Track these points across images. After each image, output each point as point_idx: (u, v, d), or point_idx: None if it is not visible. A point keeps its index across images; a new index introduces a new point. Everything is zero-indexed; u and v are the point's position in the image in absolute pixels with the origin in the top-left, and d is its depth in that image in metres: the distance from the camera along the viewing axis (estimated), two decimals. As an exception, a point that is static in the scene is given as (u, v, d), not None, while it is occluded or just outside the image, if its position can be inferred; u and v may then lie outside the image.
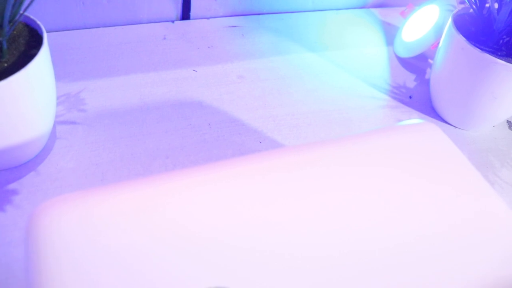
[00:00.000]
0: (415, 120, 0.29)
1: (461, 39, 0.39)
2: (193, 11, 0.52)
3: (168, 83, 0.43)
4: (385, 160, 0.25)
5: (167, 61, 0.46)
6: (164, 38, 0.49)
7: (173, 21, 0.51)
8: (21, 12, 0.29)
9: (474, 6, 0.40)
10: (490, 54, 0.37)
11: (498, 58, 0.37)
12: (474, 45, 0.38)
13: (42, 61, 0.30)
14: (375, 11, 0.59)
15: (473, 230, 0.22)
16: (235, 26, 0.52)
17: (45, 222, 0.20)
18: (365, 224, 0.21)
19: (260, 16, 0.54)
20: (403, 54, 0.51)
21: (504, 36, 0.39)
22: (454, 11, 0.42)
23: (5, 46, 0.29)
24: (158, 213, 0.20)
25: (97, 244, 0.19)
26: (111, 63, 0.44)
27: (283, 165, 0.23)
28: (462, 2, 0.45)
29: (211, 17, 0.53)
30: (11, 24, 0.29)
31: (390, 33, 0.55)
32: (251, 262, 0.19)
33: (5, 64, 0.29)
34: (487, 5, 0.38)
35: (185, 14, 0.51)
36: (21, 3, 0.28)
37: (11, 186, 0.33)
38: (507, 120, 0.47)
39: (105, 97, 0.41)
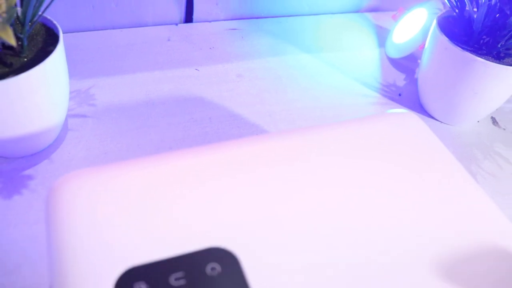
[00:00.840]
0: (398, 110, 0.32)
1: (444, 39, 0.42)
2: (195, 15, 0.55)
3: (172, 81, 0.46)
4: (364, 146, 0.27)
5: (171, 61, 0.49)
6: (169, 40, 0.52)
7: (177, 24, 0.54)
8: (39, 13, 0.33)
9: (456, 9, 0.43)
10: (470, 53, 0.40)
11: (478, 56, 0.40)
12: (456, 44, 0.41)
13: (58, 57, 0.33)
14: (368, 15, 0.62)
15: (451, 216, 0.25)
16: (235, 29, 0.55)
17: (63, 193, 0.23)
18: (342, 206, 0.24)
19: (259, 19, 0.57)
20: (394, 55, 0.54)
21: (484, 37, 0.42)
22: (439, 14, 0.45)
23: (25, 43, 0.32)
24: (163, 185, 0.23)
25: (111, 211, 0.22)
26: (118, 62, 0.47)
27: (265, 150, 0.26)
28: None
29: (212, 21, 0.56)
30: (30, 23, 0.32)
31: (382, 35, 0.58)
32: (252, 224, 0.22)
33: (25, 59, 0.32)
34: (467, 8, 0.41)
35: (188, 18, 0.55)
36: (40, 4, 0.31)
37: (27, 172, 0.36)
38: (491, 116, 0.50)
39: (113, 93, 0.44)
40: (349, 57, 0.54)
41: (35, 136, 0.35)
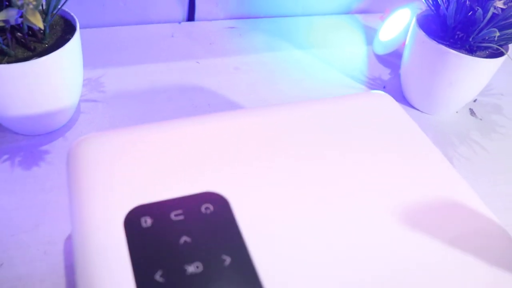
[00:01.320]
0: (374, 91, 0.36)
1: (422, 34, 0.46)
2: (197, 14, 0.59)
3: (175, 72, 0.51)
4: (340, 118, 0.32)
5: (174, 55, 0.53)
6: (172, 36, 0.56)
7: (179, 22, 0.59)
8: (59, 6, 0.37)
9: (432, 8, 0.47)
10: (444, 46, 0.44)
11: (451, 49, 0.44)
12: (432, 38, 0.45)
13: (74, 44, 0.37)
14: (358, 16, 0.66)
15: (413, 175, 0.29)
16: (233, 27, 0.60)
17: (82, 148, 0.27)
18: (316, 159, 0.28)
19: (256, 19, 0.62)
20: (380, 51, 0.58)
21: (458, 32, 0.46)
22: (419, 12, 0.49)
23: (47, 31, 0.36)
24: (168, 142, 0.27)
25: (121, 162, 0.26)
26: (126, 55, 0.52)
27: (254, 118, 0.30)
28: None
29: (213, 19, 0.60)
30: (52, 14, 0.37)
31: (370, 34, 0.63)
32: (241, 175, 0.26)
33: (46, 45, 0.36)
34: (441, 6, 0.45)
35: (190, 16, 0.59)
36: (60, -3, 0.36)
37: (44, 147, 0.40)
38: (469, 108, 0.54)
39: (121, 82, 0.48)
40: (339, 53, 0.58)
41: (51, 115, 0.40)
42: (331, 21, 0.65)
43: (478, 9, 0.40)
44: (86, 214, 0.23)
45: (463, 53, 0.44)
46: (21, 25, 0.34)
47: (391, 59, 0.59)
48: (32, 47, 0.36)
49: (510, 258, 0.25)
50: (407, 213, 0.26)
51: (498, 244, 0.25)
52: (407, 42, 0.50)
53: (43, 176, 0.38)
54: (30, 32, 0.36)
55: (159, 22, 0.58)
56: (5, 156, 0.39)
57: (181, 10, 0.59)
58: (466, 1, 0.42)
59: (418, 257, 0.24)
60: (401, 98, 0.53)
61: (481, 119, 0.53)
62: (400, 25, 0.56)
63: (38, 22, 0.30)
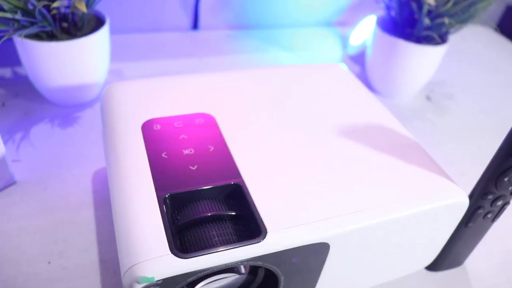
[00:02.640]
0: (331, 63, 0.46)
1: (379, 30, 0.57)
2: (201, 25, 0.72)
3: (182, 66, 0.62)
4: (300, 79, 0.42)
5: (181, 54, 0.65)
6: (180, 41, 0.69)
7: (186, 31, 0.71)
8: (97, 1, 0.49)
9: (386, 11, 0.59)
10: (396, 37, 0.55)
11: (399, 39, 0.55)
12: (386, 32, 0.57)
13: (104, 33, 0.49)
14: (337, 28, 0.79)
15: (356, 121, 0.39)
16: (230, 36, 0.72)
17: (113, 90, 0.37)
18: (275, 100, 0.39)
19: (249, 30, 0.74)
20: (351, 52, 0.69)
21: (407, 28, 0.57)
22: (380, 14, 0.61)
23: (85, 22, 0.48)
24: (176, 84, 0.38)
25: (141, 96, 0.36)
26: (143, 54, 0.64)
27: (241, 75, 0.41)
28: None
29: (213, 29, 0.73)
30: (91, 5, 0.49)
31: (345, 42, 0.75)
32: (226, 101, 0.36)
33: (83, 33, 0.48)
34: (392, 11, 0.57)
35: (195, 26, 0.72)
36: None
37: (76, 114, 0.51)
38: (426, 95, 0.64)
39: (138, 72, 0.60)
40: (318, 55, 0.70)
41: (83, 89, 0.51)
42: (312, 31, 0.77)
43: (415, 6, 0.52)
44: (117, 121, 0.34)
45: (410, 43, 0.55)
46: (67, 15, 0.46)
47: (360, 58, 0.70)
48: (74, 33, 0.47)
49: (419, 159, 0.34)
50: (347, 134, 0.36)
51: (412, 151, 0.35)
52: (369, 40, 0.61)
53: (74, 134, 0.48)
54: (73, 22, 0.47)
55: (169, 31, 0.71)
56: (46, 120, 0.50)
57: (188, 21, 0.71)
58: (408, 2, 0.54)
59: (354, 161, 0.33)
60: (368, 86, 0.64)
61: (435, 103, 0.63)
62: (367, 29, 0.67)
63: (83, 7, 0.42)
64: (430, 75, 0.59)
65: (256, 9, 0.74)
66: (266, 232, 0.26)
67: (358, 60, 0.70)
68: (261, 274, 0.30)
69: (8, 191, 0.41)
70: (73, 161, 0.45)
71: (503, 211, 0.34)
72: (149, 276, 0.23)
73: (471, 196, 0.33)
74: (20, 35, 0.42)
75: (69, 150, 0.46)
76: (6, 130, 0.47)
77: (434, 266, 0.39)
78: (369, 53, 0.61)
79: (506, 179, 0.31)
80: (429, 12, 0.53)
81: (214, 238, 0.26)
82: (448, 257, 0.37)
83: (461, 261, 0.39)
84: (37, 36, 0.45)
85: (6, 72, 0.57)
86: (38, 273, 0.34)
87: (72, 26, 0.48)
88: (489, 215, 0.34)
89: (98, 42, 0.48)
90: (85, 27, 0.49)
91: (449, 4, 0.50)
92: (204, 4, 0.69)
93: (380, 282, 0.36)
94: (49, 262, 0.35)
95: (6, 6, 0.40)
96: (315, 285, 0.31)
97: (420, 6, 0.51)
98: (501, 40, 0.87)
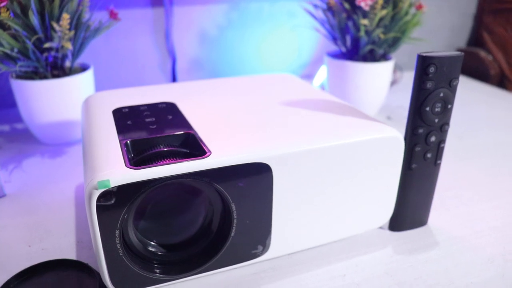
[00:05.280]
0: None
1: (329, 58, 0.66)
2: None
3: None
4: (255, 83, 0.49)
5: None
6: (161, 96, 0.77)
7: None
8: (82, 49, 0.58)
9: (334, 43, 0.68)
10: (344, 60, 0.63)
11: (347, 60, 0.63)
12: (336, 58, 0.65)
13: (89, 75, 0.57)
14: (304, 79, 0.88)
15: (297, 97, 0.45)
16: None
17: (90, 100, 0.44)
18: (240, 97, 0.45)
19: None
20: (316, 90, 0.77)
21: (354, 53, 0.65)
22: (330, 50, 0.70)
23: (72, 67, 0.56)
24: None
25: (112, 98, 0.43)
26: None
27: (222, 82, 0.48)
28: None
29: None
30: (75, 57, 0.57)
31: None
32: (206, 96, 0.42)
33: (71, 75, 0.56)
34: (338, 42, 0.66)
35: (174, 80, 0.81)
36: (81, 48, 0.57)
37: (65, 149, 0.56)
38: (387, 116, 0.70)
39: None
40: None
41: (70, 126, 0.57)
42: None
43: (353, 28, 0.61)
44: (92, 111, 0.39)
45: (357, 62, 0.63)
46: (57, 61, 0.55)
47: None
48: (63, 75, 0.56)
49: (354, 113, 0.39)
50: (291, 102, 0.41)
51: (349, 109, 0.40)
52: (326, 72, 0.70)
53: (63, 161, 0.53)
54: (62, 69, 0.56)
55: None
56: (37, 155, 0.55)
57: (166, 77, 0.80)
58: (349, 30, 0.63)
59: (294, 116, 0.38)
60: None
61: (395, 121, 0.68)
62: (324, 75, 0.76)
63: (68, 45, 0.50)
64: (384, 93, 0.66)
65: (227, 68, 0.84)
66: (210, 153, 0.30)
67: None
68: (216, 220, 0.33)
69: (-3, 202, 0.44)
70: (59, 178, 0.49)
71: (442, 151, 0.38)
72: (105, 179, 0.27)
73: (405, 137, 0.37)
74: (14, 71, 0.49)
75: (56, 172, 0.51)
76: (0, 164, 0.52)
77: (396, 225, 0.40)
78: (326, 82, 0.69)
79: (427, 108, 0.35)
80: (366, 32, 0.61)
81: (165, 158, 0.30)
82: (407, 211, 0.39)
83: (422, 219, 0.41)
84: (30, 78, 0.53)
85: (5, 126, 0.64)
86: (19, 254, 0.37)
87: (61, 72, 0.56)
88: (428, 155, 0.37)
89: (84, 82, 0.56)
90: (73, 72, 0.57)
91: (380, 30, 0.59)
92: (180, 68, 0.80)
93: (341, 236, 0.38)
94: (29, 246, 0.38)
95: (5, 43, 0.48)
96: (270, 223, 0.33)
97: (357, 27, 0.60)
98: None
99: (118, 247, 0.29)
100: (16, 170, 0.51)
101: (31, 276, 0.34)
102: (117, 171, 0.27)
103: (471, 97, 0.81)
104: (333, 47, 0.77)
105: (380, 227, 0.41)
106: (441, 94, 0.35)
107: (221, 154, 0.30)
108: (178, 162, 0.29)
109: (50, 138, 0.57)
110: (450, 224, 0.42)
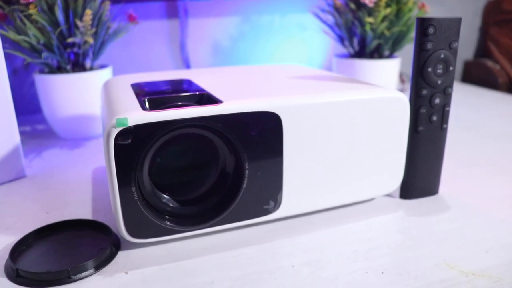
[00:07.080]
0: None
1: (337, 59, 0.68)
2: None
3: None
4: (258, 68, 0.51)
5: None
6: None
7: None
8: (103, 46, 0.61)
9: (343, 43, 0.70)
10: (353, 58, 0.66)
11: (354, 59, 0.65)
12: (343, 57, 0.67)
13: (108, 72, 0.60)
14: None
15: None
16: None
17: (108, 81, 0.46)
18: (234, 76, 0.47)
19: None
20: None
21: (361, 53, 0.68)
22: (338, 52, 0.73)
23: (93, 64, 0.60)
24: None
25: (138, 80, 0.45)
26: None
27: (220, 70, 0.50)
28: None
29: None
30: (96, 54, 0.61)
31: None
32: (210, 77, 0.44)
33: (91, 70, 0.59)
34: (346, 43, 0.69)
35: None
36: (102, 46, 0.60)
37: (83, 143, 0.59)
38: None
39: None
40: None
41: (88, 120, 0.59)
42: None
43: (359, 27, 0.63)
44: (112, 88, 0.42)
45: (364, 59, 0.65)
46: (79, 58, 0.58)
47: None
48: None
49: (361, 83, 0.40)
50: (302, 77, 0.43)
51: (358, 82, 0.41)
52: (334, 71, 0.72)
53: (81, 152, 0.55)
54: (83, 67, 0.59)
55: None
56: (56, 147, 0.57)
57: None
58: (355, 31, 0.66)
59: (306, 82, 0.40)
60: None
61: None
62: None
63: (90, 40, 0.53)
64: (390, 83, 0.67)
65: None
66: (222, 102, 0.32)
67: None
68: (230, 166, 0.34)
69: (19, 181, 0.46)
70: (77, 164, 0.51)
71: (447, 115, 0.39)
72: (123, 117, 0.28)
73: (410, 100, 0.38)
74: (39, 63, 0.53)
75: (74, 159, 0.52)
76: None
77: (407, 193, 0.41)
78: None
79: (429, 69, 0.37)
80: (371, 29, 0.64)
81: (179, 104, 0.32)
82: (416, 178, 0.40)
83: (433, 187, 0.41)
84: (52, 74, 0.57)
85: (27, 127, 0.67)
86: (37, 219, 0.38)
87: (82, 71, 0.59)
88: (434, 117, 0.38)
89: (104, 78, 0.59)
90: (94, 69, 0.60)
91: (384, 24, 0.62)
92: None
93: (352, 199, 0.38)
94: (47, 213, 0.39)
95: (31, 35, 0.52)
96: (281, 178, 0.34)
97: (363, 25, 0.63)
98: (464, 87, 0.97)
99: (133, 190, 0.30)
100: (36, 158, 0.53)
101: (49, 234, 0.35)
102: (134, 114, 0.29)
103: (479, 102, 0.82)
104: (341, 52, 0.80)
105: (391, 195, 0.41)
106: (442, 56, 0.37)
107: (233, 103, 0.32)
108: (192, 107, 0.30)
109: (69, 132, 0.60)
110: (462, 193, 0.42)
